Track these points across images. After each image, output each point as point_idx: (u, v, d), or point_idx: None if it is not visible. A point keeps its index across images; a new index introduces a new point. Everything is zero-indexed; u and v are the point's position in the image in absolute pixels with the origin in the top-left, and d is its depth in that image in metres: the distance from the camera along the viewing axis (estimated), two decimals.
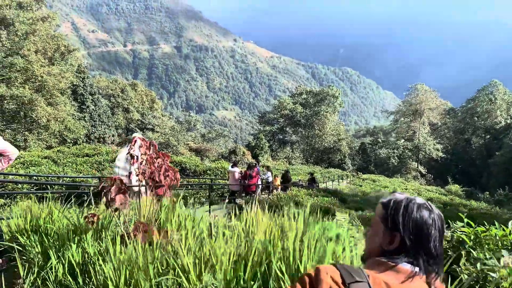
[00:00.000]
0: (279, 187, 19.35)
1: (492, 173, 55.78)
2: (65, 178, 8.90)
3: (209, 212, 10.32)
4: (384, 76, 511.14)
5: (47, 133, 28.06)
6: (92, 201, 4.88)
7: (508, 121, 60.20)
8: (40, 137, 27.63)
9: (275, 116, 60.50)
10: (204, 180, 16.36)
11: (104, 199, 2.97)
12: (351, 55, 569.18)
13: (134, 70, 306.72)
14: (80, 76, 36.68)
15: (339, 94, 59.76)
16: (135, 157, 3.18)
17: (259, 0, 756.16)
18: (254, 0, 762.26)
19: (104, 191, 2.94)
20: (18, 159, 15.01)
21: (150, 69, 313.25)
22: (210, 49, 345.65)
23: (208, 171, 17.86)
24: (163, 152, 3.31)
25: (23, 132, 26.74)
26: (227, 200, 14.13)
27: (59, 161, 16.83)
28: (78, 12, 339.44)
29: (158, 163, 3.15)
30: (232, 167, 14.27)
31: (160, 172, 3.08)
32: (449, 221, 3.88)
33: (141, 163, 3.05)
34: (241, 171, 14.74)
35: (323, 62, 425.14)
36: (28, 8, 27.87)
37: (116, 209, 2.99)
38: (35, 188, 8.16)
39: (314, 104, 58.99)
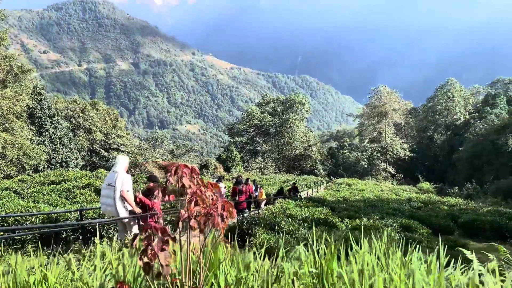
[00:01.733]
0: (265, 201, 18.48)
1: (457, 168, 57.76)
2: (38, 215, 7.58)
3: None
4: (342, 81, 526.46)
5: (4, 161, 25.73)
6: (103, 240, 3.80)
7: (467, 117, 62.72)
8: None
9: (244, 126, 59.66)
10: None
11: (140, 261, 2.00)
12: (309, 62, 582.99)
13: (91, 90, 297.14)
14: (37, 98, 34.34)
15: (305, 101, 59.93)
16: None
17: (215, 12, 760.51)
18: (210, 13, 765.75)
19: (143, 248, 1.98)
20: None
21: (107, 87, 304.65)
22: (168, 64, 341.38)
23: None
24: (211, 181, 2.37)
25: None
26: None
27: (22, 192, 15.11)
28: (27, 33, 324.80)
29: (209, 198, 2.22)
30: (217, 182, 13.29)
31: (218, 211, 2.15)
32: None
33: (192, 202, 2.10)
34: (225, 186, 13.78)
35: (282, 71, 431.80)
36: None
37: (158, 274, 2.02)
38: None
39: (282, 112, 58.82)
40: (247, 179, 14.46)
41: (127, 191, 6.45)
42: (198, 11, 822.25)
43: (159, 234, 2.01)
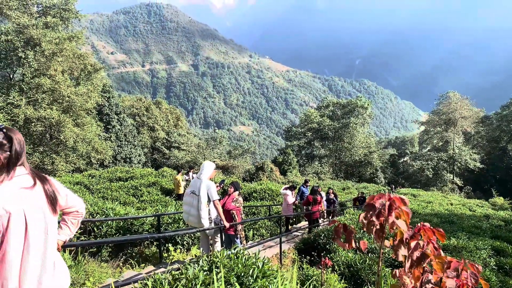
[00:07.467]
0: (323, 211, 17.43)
1: None
2: (114, 218, 7.26)
3: (280, 250, 8.55)
4: (401, 86, 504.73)
5: (75, 155, 26.95)
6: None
7: None
8: (68, 159, 26.51)
9: (302, 130, 58.34)
10: (255, 210, 14.41)
11: None
12: (367, 66, 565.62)
13: (153, 90, 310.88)
14: (106, 96, 35.85)
15: (368, 105, 57.33)
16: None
17: (271, 15, 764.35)
18: (266, 16, 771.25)
19: None
20: None
21: (168, 87, 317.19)
22: (226, 66, 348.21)
23: (253, 194, 16.06)
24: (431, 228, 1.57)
25: (50, 155, 25.65)
26: (283, 229, 12.36)
27: (92, 187, 15.41)
28: (97, 35, 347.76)
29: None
30: (285, 189, 12.52)
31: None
32: None
33: (416, 266, 1.31)
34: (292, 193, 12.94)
35: (339, 74, 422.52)
36: (55, 28, 27.12)
37: None
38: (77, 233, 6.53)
39: (342, 116, 56.84)
40: (317, 187, 13.55)
41: (218, 199, 5.84)
42: (255, 14, 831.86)
43: None
